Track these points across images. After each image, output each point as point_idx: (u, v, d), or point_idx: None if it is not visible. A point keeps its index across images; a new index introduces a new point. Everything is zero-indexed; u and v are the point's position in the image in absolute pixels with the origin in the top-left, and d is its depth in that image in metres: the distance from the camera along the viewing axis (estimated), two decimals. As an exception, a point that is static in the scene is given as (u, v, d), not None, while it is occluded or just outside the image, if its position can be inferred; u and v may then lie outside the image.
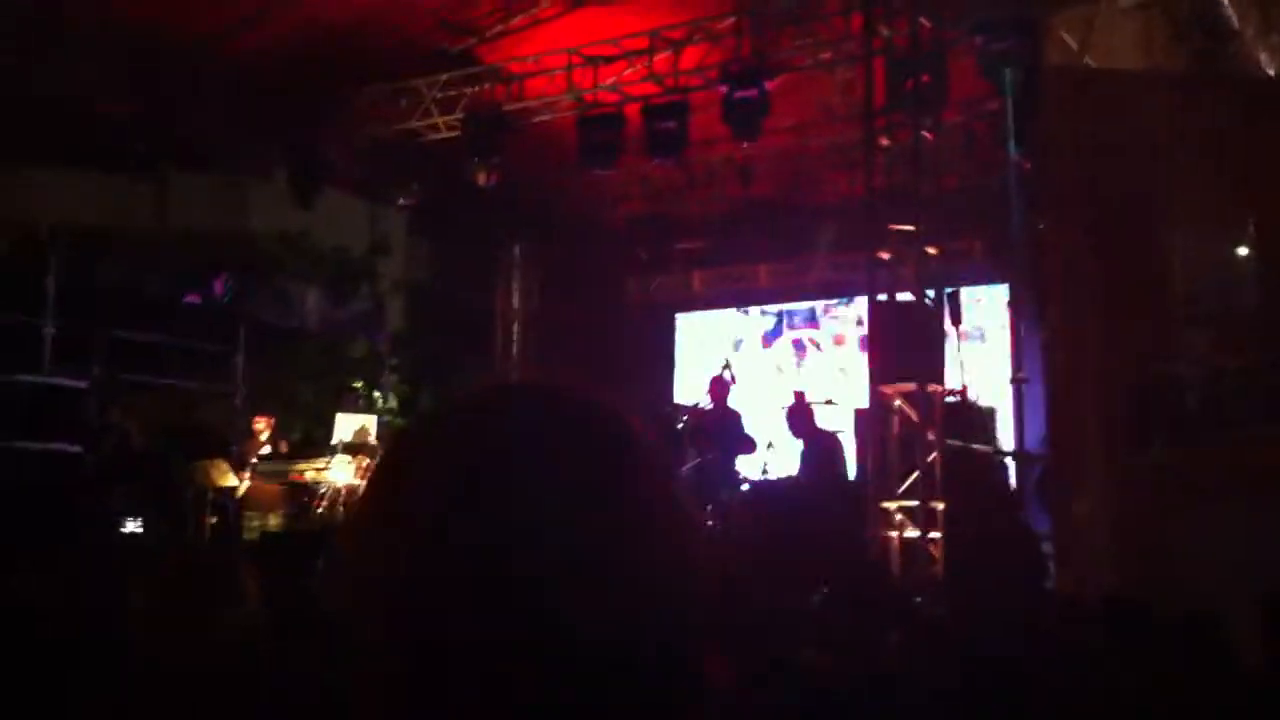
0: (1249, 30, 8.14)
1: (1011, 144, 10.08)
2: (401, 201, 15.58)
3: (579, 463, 0.97)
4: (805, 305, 16.92)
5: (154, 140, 13.76)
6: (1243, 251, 7.69)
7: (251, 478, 12.80)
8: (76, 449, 12.13)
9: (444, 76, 13.84)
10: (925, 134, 10.12)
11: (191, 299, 14.52)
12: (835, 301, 16.51)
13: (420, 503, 0.95)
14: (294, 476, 12.79)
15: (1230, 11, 8.06)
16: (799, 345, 16.96)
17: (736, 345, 17.15)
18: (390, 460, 1.02)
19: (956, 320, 10.46)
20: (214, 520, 12.26)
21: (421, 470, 0.98)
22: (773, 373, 16.69)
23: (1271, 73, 8.14)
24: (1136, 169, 7.57)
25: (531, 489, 0.93)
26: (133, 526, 11.55)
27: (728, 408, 11.89)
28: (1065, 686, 3.93)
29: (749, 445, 11.50)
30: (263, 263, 15.46)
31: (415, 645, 0.91)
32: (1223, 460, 7.04)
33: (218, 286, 14.61)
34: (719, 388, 12.05)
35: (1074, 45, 7.94)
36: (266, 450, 13.28)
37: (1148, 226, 7.58)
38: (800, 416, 11.35)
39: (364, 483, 11.79)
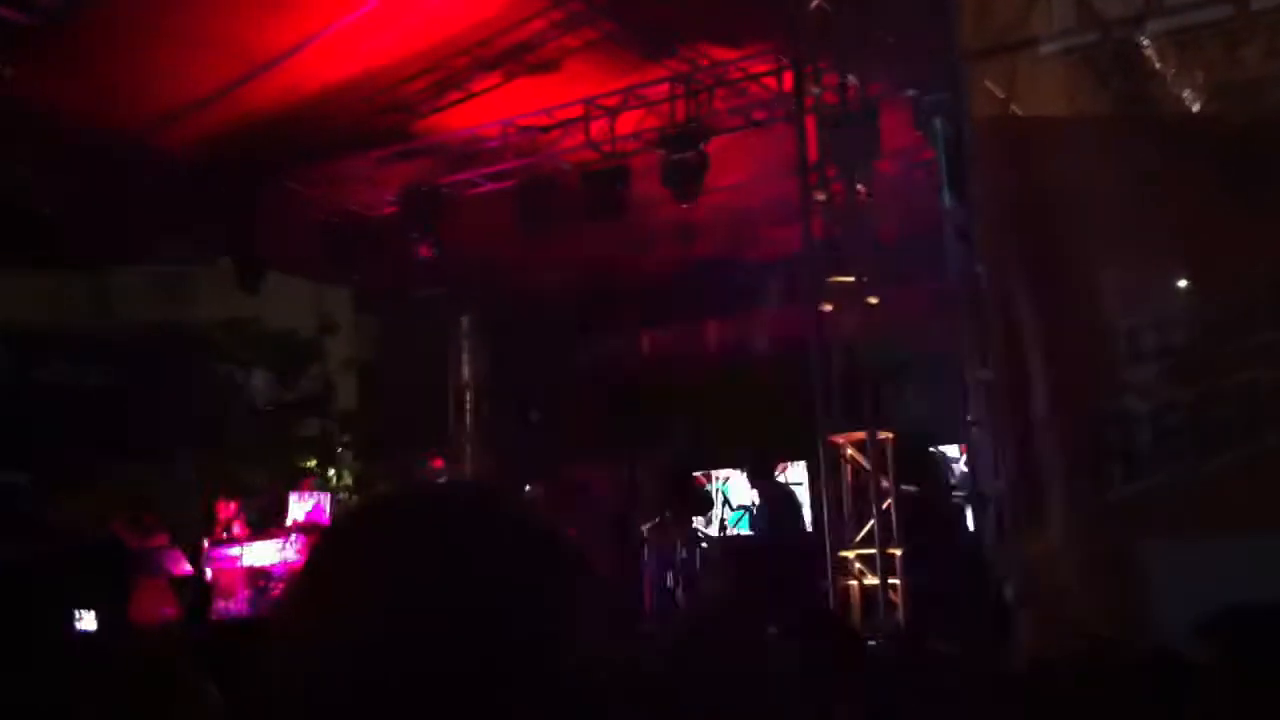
0: (1170, 70, 8.33)
1: (945, 193, 10.23)
2: (355, 278, 15.56)
3: (500, 571, 0.99)
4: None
5: (89, 235, 13.70)
6: (1179, 285, 7.83)
7: (211, 563, 12.69)
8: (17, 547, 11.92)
9: (378, 154, 13.89)
10: (859, 187, 10.26)
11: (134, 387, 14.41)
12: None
13: (342, 606, 0.97)
14: (251, 560, 12.69)
15: (1151, 53, 8.24)
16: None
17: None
18: (314, 565, 1.04)
19: (901, 367, 10.56)
20: (179, 609, 12.14)
21: (343, 578, 1.00)
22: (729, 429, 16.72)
23: (1195, 110, 8.33)
24: (1068, 212, 7.70)
25: (451, 596, 0.96)
26: (86, 621, 11.37)
27: (679, 465, 11.96)
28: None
29: (705, 504, 11.55)
30: (208, 350, 15.40)
31: None
32: (1179, 494, 7.13)
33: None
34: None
35: (1000, 94, 8.08)
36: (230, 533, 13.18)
37: (1083, 268, 7.69)
38: (755, 472, 11.42)
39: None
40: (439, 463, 15.12)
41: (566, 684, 0.97)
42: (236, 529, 13.26)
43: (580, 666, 0.99)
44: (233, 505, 13.37)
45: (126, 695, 2.93)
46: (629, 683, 1.05)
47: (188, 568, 12.43)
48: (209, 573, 12.61)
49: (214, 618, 12.12)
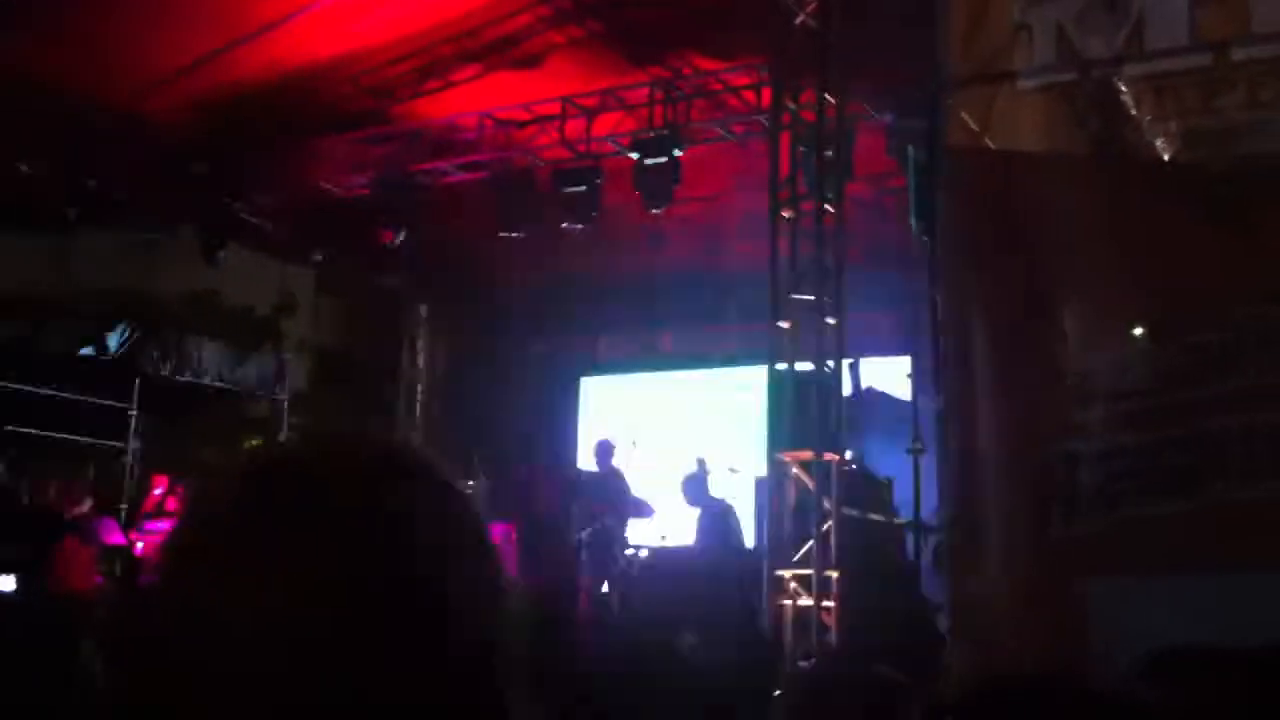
0: (1145, 115, 8.34)
1: (913, 220, 10.24)
2: (317, 258, 15.41)
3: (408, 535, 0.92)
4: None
5: (60, 198, 13.55)
6: (1136, 331, 7.81)
7: (144, 536, 12.52)
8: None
9: (355, 137, 13.80)
10: (828, 207, 10.25)
11: (86, 352, 14.26)
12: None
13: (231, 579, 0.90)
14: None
15: (1128, 97, 8.25)
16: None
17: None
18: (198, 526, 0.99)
19: (855, 390, 10.55)
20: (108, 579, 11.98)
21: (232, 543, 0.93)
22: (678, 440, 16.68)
23: (1166, 157, 8.34)
24: (1032, 249, 7.68)
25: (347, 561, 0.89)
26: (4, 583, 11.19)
27: (613, 470, 11.90)
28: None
29: (644, 510, 11.48)
30: (165, 320, 15.25)
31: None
32: (1124, 535, 7.11)
33: (111, 339, 14.35)
34: (604, 451, 12.08)
35: (975, 126, 8.06)
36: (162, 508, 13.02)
37: (1042, 306, 7.68)
38: (694, 484, 11.37)
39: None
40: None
41: (460, 667, 0.91)
42: (170, 504, 13.07)
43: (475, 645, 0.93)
44: (163, 480, 13.18)
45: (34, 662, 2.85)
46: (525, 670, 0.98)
47: (120, 538, 12.26)
48: (140, 545, 12.42)
49: (142, 589, 11.93)
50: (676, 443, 16.31)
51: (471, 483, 12.48)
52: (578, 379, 18.13)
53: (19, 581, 11.13)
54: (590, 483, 11.92)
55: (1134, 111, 8.29)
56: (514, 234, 13.43)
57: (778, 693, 6.38)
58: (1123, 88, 8.20)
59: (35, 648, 3.09)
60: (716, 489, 11.48)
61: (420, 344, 18.16)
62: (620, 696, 4.13)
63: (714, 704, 4.57)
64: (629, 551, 11.24)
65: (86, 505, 12.14)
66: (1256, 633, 4.14)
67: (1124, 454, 7.36)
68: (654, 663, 4.72)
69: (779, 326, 10.12)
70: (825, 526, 9.68)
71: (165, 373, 15.11)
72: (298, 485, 0.96)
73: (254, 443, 15.61)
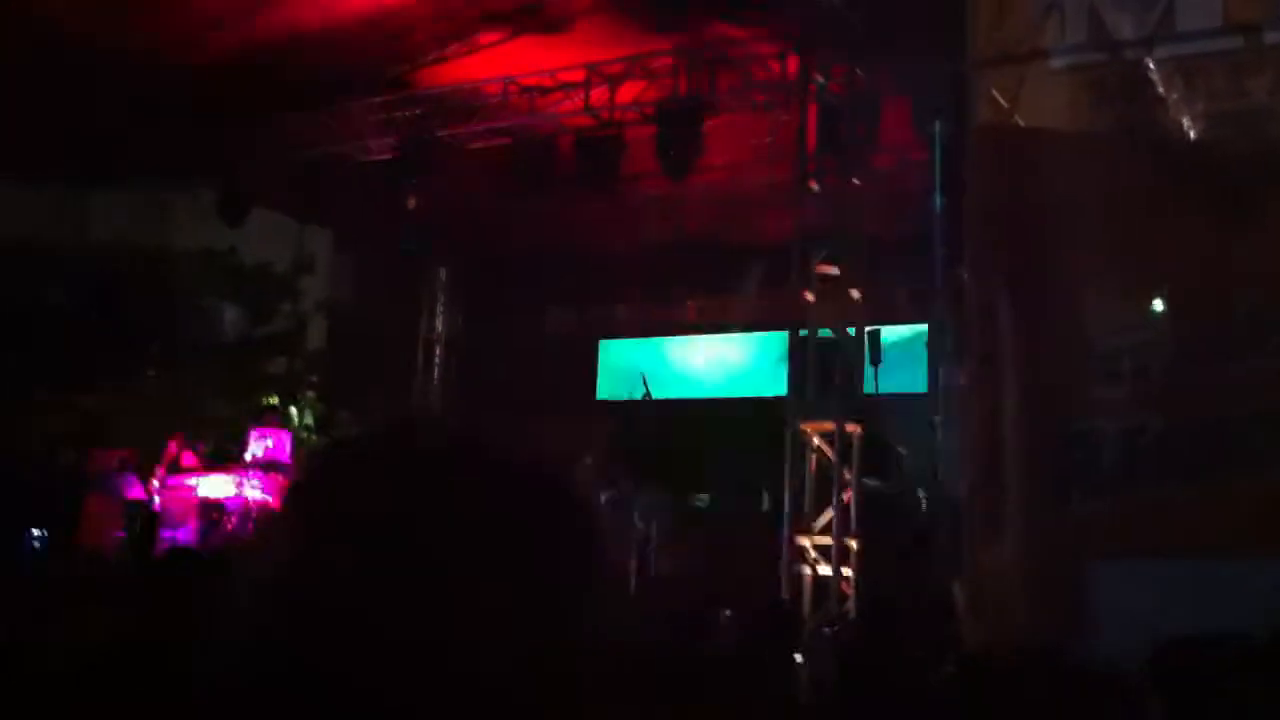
0: (1173, 96, 8.37)
1: (937, 195, 10.30)
2: (338, 219, 15.43)
3: (499, 525, 0.91)
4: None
5: (81, 155, 13.58)
6: (1158, 309, 7.88)
7: (162, 491, 12.64)
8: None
9: (378, 100, 13.80)
10: (854, 180, 10.30)
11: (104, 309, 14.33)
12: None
13: (328, 541, 0.90)
14: (205, 491, 12.66)
15: (1156, 78, 8.29)
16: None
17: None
18: (302, 494, 0.98)
19: (876, 360, 10.64)
20: (126, 534, 12.13)
21: (331, 509, 0.93)
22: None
23: (1193, 137, 8.38)
24: (1058, 227, 7.74)
25: (449, 544, 0.89)
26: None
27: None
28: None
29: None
30: (182, 278, 15.31)
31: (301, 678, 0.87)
32: (1139, 516, 7.20)
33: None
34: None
35: (1004, 103, 8.12)
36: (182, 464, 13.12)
37: (1067, 283, 7.75)
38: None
39: (274, 501, 11.84)
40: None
41: (558, 666, 0.89)
42: (185, 460, 13.17)
43: (582, 645, 0.91)
44: (179, 437, 13.26)
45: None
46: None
47: (140, 492, 12.39)
48: (157, 500, 12.54)
49: (159, 545, 12.06)
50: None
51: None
52: (596, 344, 18.20)
53: (48, 535, 11.29)
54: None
55: (1162, 92, 8.35)
56: (537, 199, 13.42)
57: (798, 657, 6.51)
58: (1152, 69, 8.25)
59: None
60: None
61: (439, 307, 18.24)
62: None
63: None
64: (652, 515, 11.30)
65: (114, 461, 12.29)
66: (1265, 619, 4.24)
67: (1144, 434, 7.46)
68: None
69: (803, 298, 10.19)
70: (845, 496, 9.78)
71: (184, 331, 15.19)
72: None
73: (272, 400, 15.72)
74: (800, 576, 9.81)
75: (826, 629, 7.88)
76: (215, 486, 12.69)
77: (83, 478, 11.98)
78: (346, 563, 0.88)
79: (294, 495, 0.98)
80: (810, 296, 10.20)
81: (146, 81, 12.68)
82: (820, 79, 10.56)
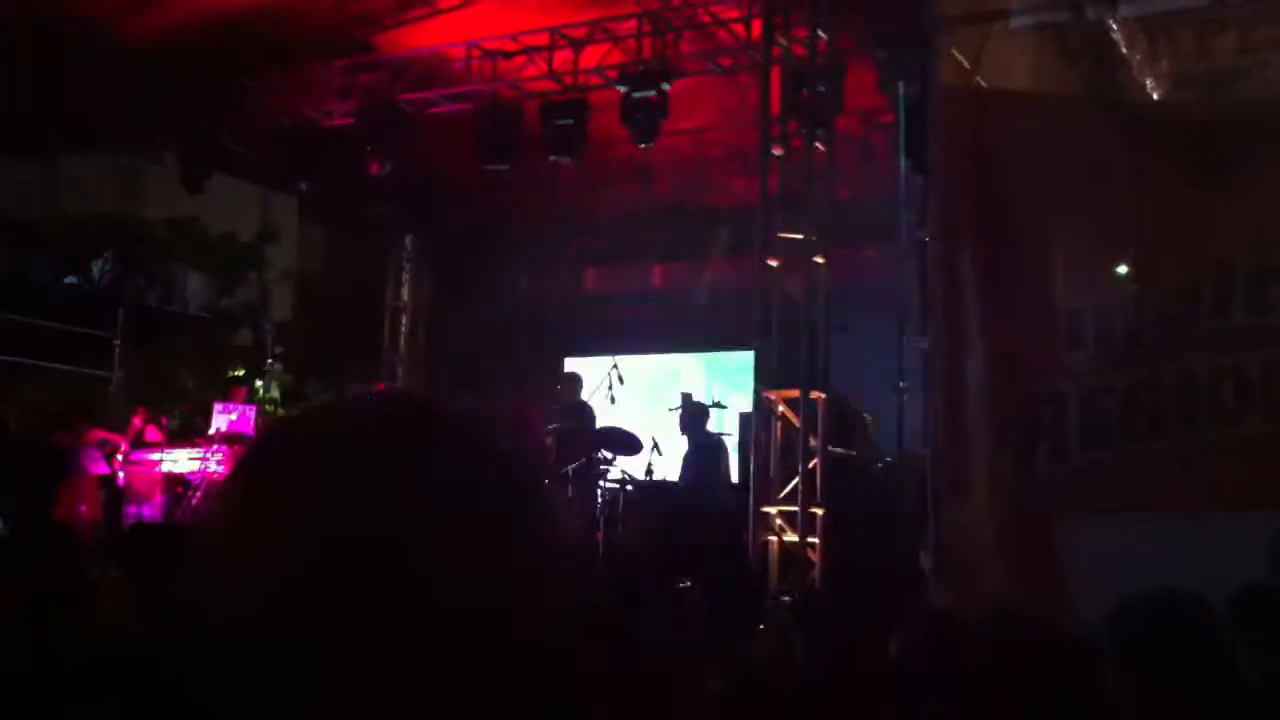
0: (1136, 57, 8.31)
1: (902, 157, 10.21)
2: (303, 187, 15.21)
3: (459, 495, 0.91)
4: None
5: (46, 123, 13.40)
6: (1122, 272, 7.84)
7: (127, 466, 12.54)
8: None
9: (340, 64, 13.63)
10: (818, 144, 10.21)
11: (70, 281, 14.20)
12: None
13: (270, 528, 0.90)
14: (170, 466, 12.56)
15: (1119, 38, 8.22)
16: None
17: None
18: (243, 465, 0.97)
19: (842, 327, 10.57)
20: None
21: (285, 486, 0.92)
22: (663, 375, 16.70)
23: (1156, 99, 8.32)
24: (1022, 189, 7.68)
25: (389, 517, 0.88)
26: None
27: (583, 403, 11.97)
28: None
29: (633, 447, 11.50)
30: (148, 247, 15.16)
31: (275, 652, 0.86)
32: (1106, 475, 7.18)
33: (95, 269, 14.30)
34: (570, 387, 12.19)
35: (966, 64, 8.04)
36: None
37: (1032, 246, 7.70)
38: (691, 416, 11.44)
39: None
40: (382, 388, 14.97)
41: (520, 635, 0.90)
42: (148, 435, 13.06)
43: (540, 617, 0.92)
44: (143, 411, 13.16)
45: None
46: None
47: (104, 468, 12.27)
48: (122, 475, 12.45)
49: (125, 521, 11.96)
50: (663, 377, 16.43)
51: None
52: (565, 312, 18.07)
53: (19, 511, 11.15)
54: (573, 415, 11.94)
55: (1125, 52, 8.29)
56: (500, 166, 13.28)
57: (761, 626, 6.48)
58: (1115, 28, 8.18)
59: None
60: (708, 425, 11.54)
61: (405, 275, 18.09)
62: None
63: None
64: (613, 485, 11.26)
65: (85, 435, 12.15)
66: (1233, 574, 4.22)
67: (1109, 394, 7.43)
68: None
69: (767, 263, 10.12)
70: (811, 464, 9.74)
71: (149, 302, 15.05)
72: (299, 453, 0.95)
73: (237, 373, 15.58)
74: (766, 545, 9.77)
75: (786, 597, 7.84)
76: (180, 461, 12.60)
77: (42, 452, 11.83)
78: (281, 537, 0.88)
79: (237, 467, 0.98)
80: (774, 262, 10.13)
81: (106, 49, 12.50)
82: (783, 41, 10.45)
